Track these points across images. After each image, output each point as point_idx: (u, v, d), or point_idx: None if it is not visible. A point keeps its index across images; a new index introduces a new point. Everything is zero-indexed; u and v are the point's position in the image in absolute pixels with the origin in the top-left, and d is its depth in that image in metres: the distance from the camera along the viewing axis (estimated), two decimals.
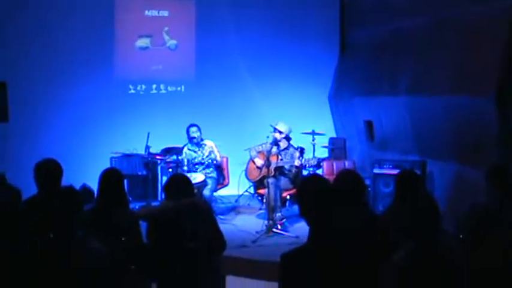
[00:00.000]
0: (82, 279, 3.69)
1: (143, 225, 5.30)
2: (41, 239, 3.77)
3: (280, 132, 9.21)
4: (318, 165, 9.44)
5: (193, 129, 9.58)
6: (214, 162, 9.53)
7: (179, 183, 5.36)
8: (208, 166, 9.58)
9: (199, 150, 9.60)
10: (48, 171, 4.98)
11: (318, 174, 4.14)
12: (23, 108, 10.61)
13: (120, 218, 4.92)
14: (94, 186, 5.23)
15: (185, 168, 9.53)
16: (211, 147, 9.60)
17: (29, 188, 4.99)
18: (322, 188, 3.49)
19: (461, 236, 3.90)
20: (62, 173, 5.03)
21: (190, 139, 9.60)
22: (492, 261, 3.28)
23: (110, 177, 5.11)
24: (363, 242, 3.83)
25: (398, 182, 5.26)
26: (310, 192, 3.49)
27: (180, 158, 9.64)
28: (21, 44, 10.81)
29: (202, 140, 9.63)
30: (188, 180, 5.50)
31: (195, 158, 9.60)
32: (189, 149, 9.66)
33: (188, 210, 5.14)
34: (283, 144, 9.29)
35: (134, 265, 4.87)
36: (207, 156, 9.53)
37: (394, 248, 3.84)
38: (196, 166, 9.60)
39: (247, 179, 9.80)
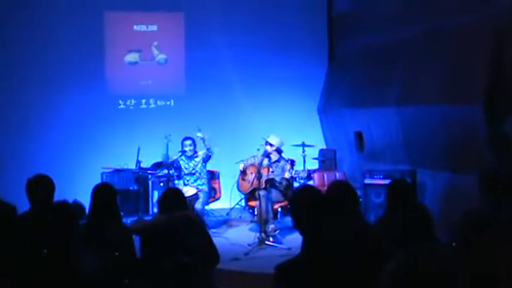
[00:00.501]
0: None
1: (136, 239, 5.30)
2: (35, 255, 3.76)
3: (271, 145, 9.23)
4: (309, 177, 9.45)
5: (187, 142, 9.60)
6: (209, 154, 9.53)
7: (173, 197, 5.37)
8: (199, 178, 9.57)
9: (191, 162, 9.60)
10: (41, 187, 4.97)
11: (310, 185, 4.15)
12: (12, 124, 10.60)
13: (113, 232, 4.91)
14: (85, 201, 5.22)
15: (176, 182, 9.54)
16: (198, 155, 9.60)
17: (19, 205, 4.96)
18: (315, 199, 3.50)
19: (453, 244, 3.91)
20: (54, 188, 5.02)
21: (183, 152, 9.61)
22: (486, 267, 3.29)
23: (104, 192, 5.11)
24: (356, 252, 3.83)
25: (389, 191, 5.26)
26: (303, 203, 3.50)
27: (174, 162, 9.68)
28: (10, 60, 10.82)
29: (195, 152, 9.63)
30: (181, 193, 5.51)
31: (186, 168, 9.60)
32: (182, 160, 9.67)
33: (181, 223, 5.15)
34: (274, 156, 9.31)
35: (128, 279, 4.85)
36: (199, 163, 9.53)
37: (387, 258, 3.85)
38: (187, 177, 9.59)
39: (239, 190, 9.81)
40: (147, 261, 5.14)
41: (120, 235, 4.99)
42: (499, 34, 7.41)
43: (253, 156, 9.52)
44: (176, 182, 9.70)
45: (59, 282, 3.65)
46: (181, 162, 9.67)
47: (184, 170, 9.64)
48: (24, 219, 4.77)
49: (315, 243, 3.43)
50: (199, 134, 9.44)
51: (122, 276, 4.79)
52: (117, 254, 4.78)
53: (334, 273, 3.39)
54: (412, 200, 5.23)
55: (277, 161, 9.32)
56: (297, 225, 3.61)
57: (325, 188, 5.45)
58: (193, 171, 9.57)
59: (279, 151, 9.37)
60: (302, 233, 3.54)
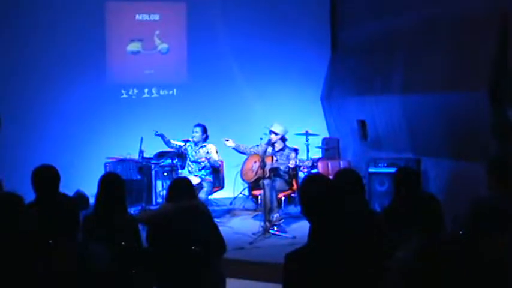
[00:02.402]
0: (84, 284, 3.67)
1: (142, 229, 5.30)
2: (41, 246, 3.75)
3: (276, 134, 9.22)
4: (313, 166, 9.45)
5: (196, 129, 9.59)
6: (211, 161, 9.50)
7: (182, 186, 5.37)
8: (204, 168, 9.56)
9: (198, 150, 9.58)
10: (46, 177, 4.96)
11: (319, 173, 4.14)
12: (15, 115, 10.59)
13: (119, 222, 4.91)
14: (88, 191, 5.21)
15: (180, 171, 9.54)
16: (210, 149, 9.58)
17: (23, 195, 4.95)
18: (324, 187, 3.49)
19: (461, 232, 3.89)
20: (59, 178, 5.01)
21: (187, 140, 9.63)
22: (499, 255, 3.28)
23: (111, 182, 5.10)
24: (365, 240, 3.83)
25: (396, 179, 5.25)
26: (312, 192, 3.49)
27: (182, 148, 9.73)
28: (12, 50, 10.79)
29: (205, 141, 9.62)
30: (190, 183, 5.51)
31: (192, 156, 9.60)
32: (190, 147, 9.68)
33: (188, 213, 5.14)
34: (278, 145, 9.30)
35: (135, 269, 4.85)
36: (204, 155, 9.50)
37: (396, 246, 3.85)
38: (192, 165, 9.57)
39: (243, 179, 9.80)
40: (154, 251, 5.14)
41: (127, 225, 4.98)
42: (504, 19, 7.36)
43: (256, 146, 9.50)
44: (180, 171, 9.69)
45: (66, 273, 3.64)
46: (188, 148, 9.65)
47: (190, 156, 9.62)
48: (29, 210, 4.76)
49: (325, 231, 3.41)
50: (230, 144, 9.46)
51: (129, 266, 4.79)
52: (123, 244, 4.78)
53: (343, 261, 3.38)
54: (418, 187, 5.23)
55: (282, 149, 9.31)
56: (306, 214, 3.60)
57: (330, 176, 5.44)
58: (198, 160, 9.53)
59: (283, 139, 9.36)
60: (310, 222, 3.53)
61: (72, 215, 3.85)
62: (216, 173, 9.84)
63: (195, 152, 9.58)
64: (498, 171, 4.58)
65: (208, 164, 9.51)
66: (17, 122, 10.63)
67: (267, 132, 9.29)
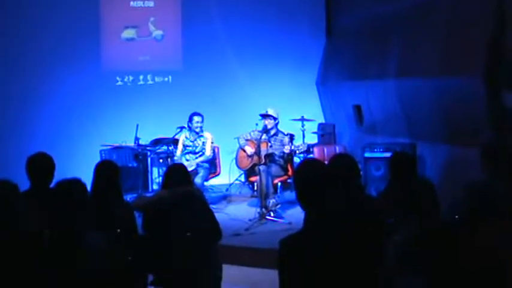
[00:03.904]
0: (81, 272, 3.66)
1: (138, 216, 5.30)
2: (37, 234, 3.74)
3: (274, 118, 9.20)
4: (308, 151, 9.42)
5: (196, 118, 9.50)
6: (203, 158, 9.48)
7: (177, 173, 5.36)
8: (201, 156, 9.52)
9: (195, 140, 9.55)
10: (41, 165, 4.94)
11: (314, 159, 4.11)
12: (10, 102, 10.56)
13: (115, 209, 4.90)
14: (84, 179, 5.19)
15: (176, 158, 9.52)
16: (206, 138, 9.54)
17: (18, 183, 4.92)
18: (319, 172, 3.48)
19: (456, 217, 3.89)
20: (54, 166, 4.99)
21: (190, 128, 9.56)
22: (496, 241, 3.28)
23: (107, 169, 5.09)
24: (360, 225, 3.83)
25: (392, 164, 5.25)
26: (307, 176, 3.48)
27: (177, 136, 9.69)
28: (5, 36, 10.72)
29: (202, 130, 9.57)
30: (186, 169, 5.50)
31: (190, 146, 9.56)
32: (186, 137, 9.62)
33: (184, 199, 5.13)
34: (272, 130, 9.29)
35: (131, 256, 4.85)
36: (200, 148, 9.48)
37: (391, 230, 3.85)
38: (189, 155, 9.55)
39: (238, 167, 9.80)
40: (150, 237, 5.14)
41: (123, 212, 4.98)
42: (499, 3, 7.34)
43: (251, 132, 9.50)
44: (175, 157, 9.67)
45: (64, 261, 3.64)
46: (185, 139, 9.61)
47: (187, 148, 9.57)
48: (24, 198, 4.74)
49: (320, 216, 3.41)
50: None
51: (125, 253, 4.78)
52: (119, 231, 4.77)
53: (338, 246, 3.38)
54: (413, 172, 5.23)
55: (275, 134, 9.29)
56: (300, 199, 3.59)
57: (326, 162, 5.44)
58: (195, 150, 9.51)
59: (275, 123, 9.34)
60: (305, 207, 3.52)
61: (68, 203, 3.83)
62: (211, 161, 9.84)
63: (192, 142, 9.54)
64: (493, 156, 4.58)
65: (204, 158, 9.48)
66: (11, 109, 10.61)
67: (260, 119, 9.28)
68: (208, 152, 9.48)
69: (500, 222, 3.33)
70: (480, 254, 3.25)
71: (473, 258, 3.28)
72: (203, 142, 9.51)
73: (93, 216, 4.16)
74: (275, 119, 9.24)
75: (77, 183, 3.92)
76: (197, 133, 9.52)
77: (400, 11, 9.46)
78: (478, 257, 3.28)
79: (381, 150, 9.00)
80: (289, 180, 9.63)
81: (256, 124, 9.47)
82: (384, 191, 5.35)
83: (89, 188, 4.34)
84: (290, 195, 9.82)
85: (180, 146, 9.61)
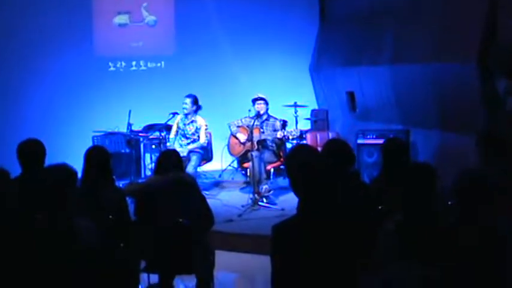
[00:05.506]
0: (72, 259, 3.65)
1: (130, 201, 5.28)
2: (28, 220, 3.72)
3: (266, 102, 9.22)
4: (301, 137, 9.42)
5: (186, 100, 9.44)
6: (197, 145, 9.43)
7: (170, 159, 5.36)
8: (194, 141, 9.47)
9: (188, 125, 9.49)
10: (32, 151, 4.93)
11: (306, 144, 4.09)
12: (0, 89, 10.50)
13: (107, 195, 4.87)
14: (76, 165, 5.16)
15: (168, 144, 9.48)
16: (200, 125, 9.47)
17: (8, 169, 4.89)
18: (311, 158, 3.46)
19: (449, 203, 3.89)
20: (45, 152, 4.97)
21: (174, 113, 9.56)
22: (492, 224, 3.28)
23: (97, 155, 5.06)
24: (353, 212, 3.82)
25: (384, 150, 5.23)
26: (299, 163, 3.46)
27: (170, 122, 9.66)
28: None
29: (196, 112, 9.50)
30: (178, 155, 5.50)
31: (182, 129, 9.51)
32: (181, 119, 9.58)
33: (176, 185, 5.12)
34: (264, 115, 9.29)
35: (123, 243, 4.83)
36: (191, 133, 9.43)
37: (384, 216, 3.84)
38: (182, 139, 9.49)
39: (230, 154, 9.79)
40: (141, 223, 5.12)
41: (115, 198, 4.94)
42: None
43: (242, 118, 9.49)
44: (168, 144, 9.63)
45: (55, 247, 3.62)
46: (180, 121, 9.56)
47: (180, 130, 9.51)
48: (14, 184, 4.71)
49: (312, 203, 3.39)
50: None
51: (116, 239, 4.77)
52: (111, 217, 4.75)
53: (331, 232, 3.38)
54: (406, 158, 5.21)
55: (267, 119, 9.29)
56: (293, 186, 3.58)
57: (319, 148, 5.41)
58: (187, 135, 9.45)
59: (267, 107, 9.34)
60: (298, 194, 3.51)
61: (59, 189, 3.81)
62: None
63: (184, 125, 9.48)
64: (486, 142, 4.58)
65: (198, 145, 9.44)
66: (1, 95, 10.54)
67: (252, 104, 9.29)
68: (202, 139, 9.42)
69: (493, 208, 3.32)
70: (480, 238, 3.24)
71: (465, 244, 3.28)
72: (196, 127, 9.43)
73: (83, 202, 4.15)
74: (267, 103, 9.25)
75: (63, 168, 3.89)
76: (186, 115, 9.45)
77: None
78: (470, 244, 3.27)
79: (374, 136, 9.00)
80: (281, 166, 9.61)
81: (249, 110, 9.45)
82: (377, 177, 5.34)
83: (79, 174, 4.32)
84: (283, 181, 9.82)
85: (174, 128, 9.58)
